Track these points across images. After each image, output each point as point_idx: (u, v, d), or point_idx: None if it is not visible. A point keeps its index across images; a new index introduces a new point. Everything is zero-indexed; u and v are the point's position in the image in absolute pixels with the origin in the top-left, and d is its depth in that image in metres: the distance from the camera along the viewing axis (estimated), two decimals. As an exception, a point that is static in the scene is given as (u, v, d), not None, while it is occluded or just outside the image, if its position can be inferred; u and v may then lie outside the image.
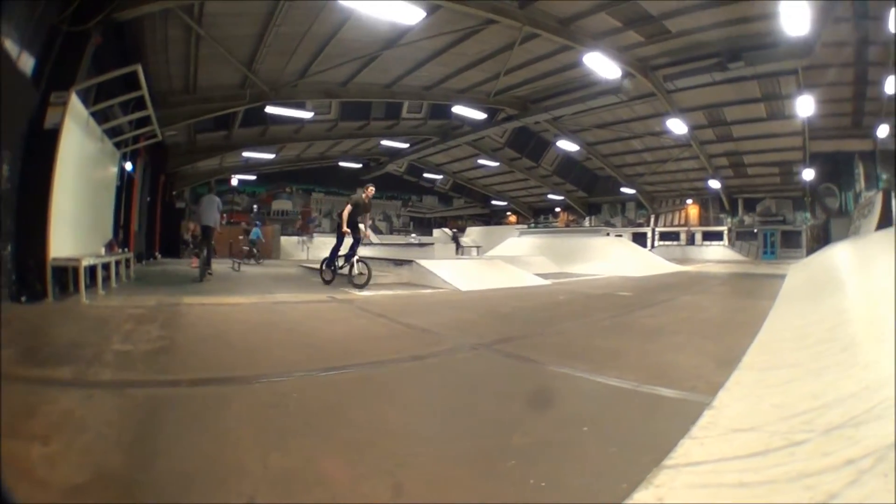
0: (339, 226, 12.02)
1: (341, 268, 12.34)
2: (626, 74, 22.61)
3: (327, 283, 12.44)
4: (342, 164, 40.27)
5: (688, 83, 23.87)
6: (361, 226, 12.47)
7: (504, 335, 6.40)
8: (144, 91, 10.95)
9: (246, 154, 32.00)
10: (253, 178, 41.00)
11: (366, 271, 11.71)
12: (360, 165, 41.80)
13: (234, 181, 40.74)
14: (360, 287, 11.43)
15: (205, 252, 13.37)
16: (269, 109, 22.89)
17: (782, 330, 6.02)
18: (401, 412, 3.38)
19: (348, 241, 12.05)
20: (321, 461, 2.50)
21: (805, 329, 5.60)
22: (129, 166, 17.84)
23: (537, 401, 3.75)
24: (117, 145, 13.96)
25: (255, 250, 24.83)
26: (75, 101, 9.37)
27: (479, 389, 4.05)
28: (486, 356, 5.26)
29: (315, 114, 26.26)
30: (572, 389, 4.02)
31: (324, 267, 12.89)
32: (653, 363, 4.79)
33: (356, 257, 12.01)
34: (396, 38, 19.27)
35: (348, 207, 11.94)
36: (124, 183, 16.97)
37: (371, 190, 12.57)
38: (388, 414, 3.31)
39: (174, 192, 30.51)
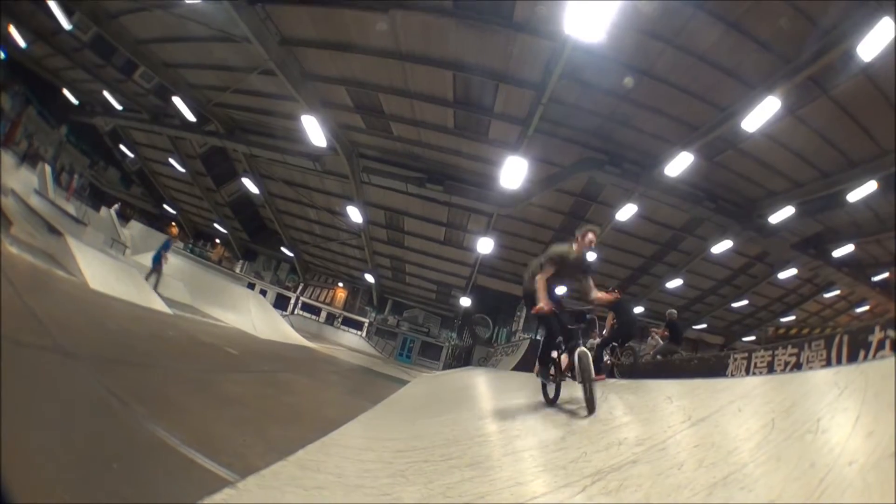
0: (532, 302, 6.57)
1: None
2: (330, 149, 23.32)
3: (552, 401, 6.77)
4: (66, 91, 36.94)
5: (382, 182, 25.17)
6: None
7: (98, 354, 6.13)
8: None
9: (13, 29, 28.05)
10: (2, 56, 35.39)
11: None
12: (76, 103, 38.44)
13: None
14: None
15: None
16: (50, 1, 21.33)
17: (355, 436, 6.18)
18: None
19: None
20: None
21: (376, 442, 5.90)
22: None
23: (80, 425, 3.75)
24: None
25: None
26: None
27: (36, 391, 3.92)
28: (62, 364, 4.97)
29: (74, 28, 24.28)
30: (122, 426, 4.02)
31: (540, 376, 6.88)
32: (208, 428, 4.78)
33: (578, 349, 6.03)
34: (170, 3, 18.53)
35: (548, 270, 6.58)
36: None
37: (591, 237, 6.74)
38: None
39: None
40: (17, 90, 38.21)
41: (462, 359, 37.65)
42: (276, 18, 17.39)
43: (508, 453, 4.75)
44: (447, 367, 33.88)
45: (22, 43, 30.05)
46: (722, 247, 24.57)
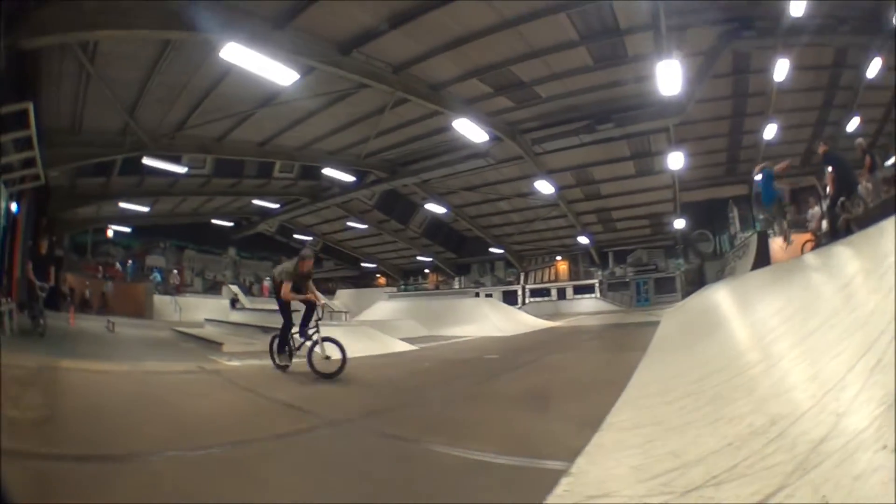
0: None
1: (298, 348, 9.31)
2: (494, 138, 23.27)
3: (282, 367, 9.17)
4: (214, 221, 39.15)
5: (556, 146, 24.69)
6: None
7: (369, 408, 6.34)
8: (33, 130, 10.90)
9: (122, 205, 30.44)
10: (128, 230, 39.09)
11: (338, 355, 8.47)
12: (231, 224, 40.80)
13: (110, 233, 38.73)
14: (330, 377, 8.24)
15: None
16: (147, 161, 22.30)
17: (648, 384, 6.08)
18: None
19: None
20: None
21: (670, 382, 5.76)
22: (14, 207, 16.34)
23: (393, 479, 3.74)
24: (6, 184, 13.41)
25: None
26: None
27: (336, 469, 3.99)
28: (349, 433, 5.19)
29: (189, 168, 25.38)
30: (432, 464, 4.00)
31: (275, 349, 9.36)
32: (513, 431, 4.80)
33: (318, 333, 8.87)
34: (271, 97, 19.15)
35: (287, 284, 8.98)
36: (9, 224, 15.67)
37: (309, 265, 9.30)
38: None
39: (53, 238, 28.69)
40: (163, 247, 41.57)
41: (697, 281, 36.08)
42: (377, 53, 17.45)
43: (797, 343, 4.38)
44: (686, 294, 32.55)
45: (143, 209, 31.97)
46: (874, 68, 21.65)
